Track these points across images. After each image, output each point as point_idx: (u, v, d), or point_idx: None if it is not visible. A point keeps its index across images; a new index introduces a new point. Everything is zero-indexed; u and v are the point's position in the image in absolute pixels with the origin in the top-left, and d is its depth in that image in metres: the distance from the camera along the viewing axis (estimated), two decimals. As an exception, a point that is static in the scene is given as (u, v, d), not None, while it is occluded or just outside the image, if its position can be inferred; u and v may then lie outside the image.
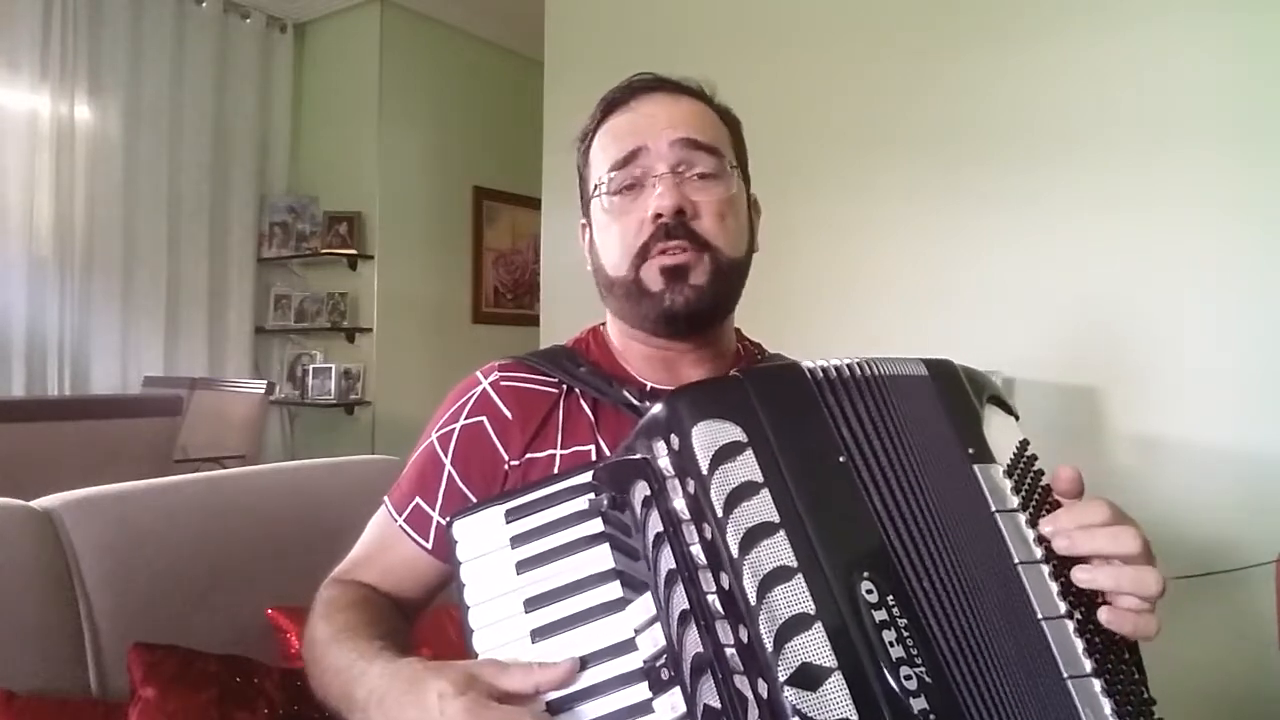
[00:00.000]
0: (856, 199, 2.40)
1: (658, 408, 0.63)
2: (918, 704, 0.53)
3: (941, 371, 0.69)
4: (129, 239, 3.61)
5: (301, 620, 1.14)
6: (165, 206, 3.71)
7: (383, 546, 0.89)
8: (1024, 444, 0.68)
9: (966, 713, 0.55)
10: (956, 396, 0.68)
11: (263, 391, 3.23)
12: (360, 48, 4.00)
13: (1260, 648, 1.71)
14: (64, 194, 3.42)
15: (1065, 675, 0.58)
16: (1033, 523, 0.63)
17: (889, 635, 0.55)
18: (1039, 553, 0.62)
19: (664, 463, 0.61)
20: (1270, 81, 1.83)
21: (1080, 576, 0.61)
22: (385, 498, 0.90)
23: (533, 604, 0.65)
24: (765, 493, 0.57)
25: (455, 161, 4.23)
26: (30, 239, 3.35)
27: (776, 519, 0.57)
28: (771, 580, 0.55)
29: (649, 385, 0.87)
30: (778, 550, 0.56)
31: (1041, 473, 0.67)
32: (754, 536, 0.56)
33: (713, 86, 0.90)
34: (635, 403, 0.80)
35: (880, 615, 0.55)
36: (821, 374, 0.64)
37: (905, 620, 0.56)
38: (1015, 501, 0.64)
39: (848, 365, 0.65)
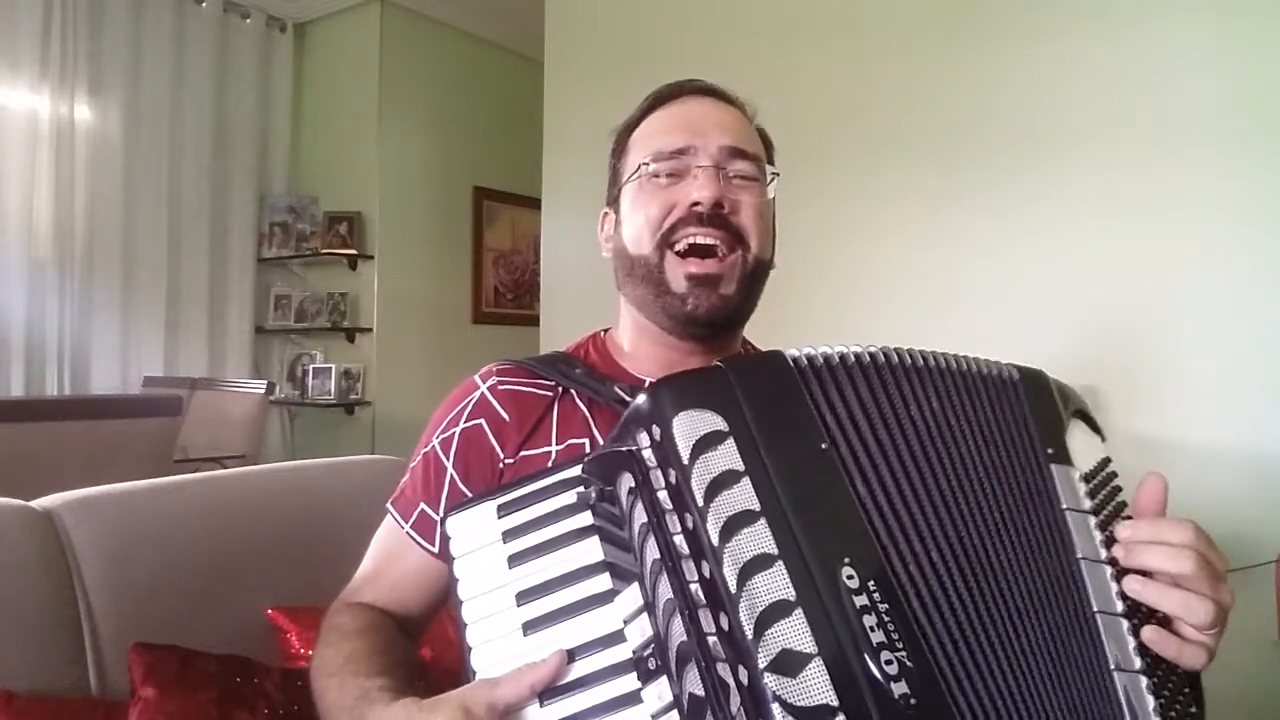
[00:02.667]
0: (857, 199, 2.40)
1: (641, 398, 0.64)
2: (898, 688, 0.54)
3: (1032, 378, 0.72)
4: (129, 239, 3.61)
5: (301, 620, 1.14)
6: (165, 206, 3.72)
7: (391, 557, 0.89)
8: (1106, 460, 0.70)
9: (950, 696, 0.55)
10: (1043, 401, 0.70)
11: (263, 391, 3.23)
12: (360, 48, 4.00)
13: (1261, 646, 1.71)
14: (64, 194, 3.42)
15: (1113, 666, 0.60)
16: (1103, 527, 0.65)
17: (869, 620, 0.55)
18: (1104, 554, 0.64)
19: (647, 453, 0.62)
20: (1270, 83, 1.83)
21: (1131, 586, 0.62)
22: (390, 506, 0.90)
23: (524, 597, 0.65)
24: (746, 481, 0.58)
25: (455, 161, 4.23)
26: (30, 239, 3.35)
27: (757, 507, 0.57)
28: (752, 568, 0.56)
29: (647, 382, 0.87)
30: (758, 538, 0.57)
31: (1119, 489, 0.68)
32: (734, 525, 0.57)
33: (754, 107, 0.93)
34: (627, 398, 0.80)
35: (861, 601, 0.56)
36: (806, 362, 0.65)
37: (887, 605, 0.56)
38: (1089, 504, 0.66)
39: (834, 352, 0.66)
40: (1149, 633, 0.60)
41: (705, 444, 0.59)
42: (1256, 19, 1.85)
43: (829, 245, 2.41)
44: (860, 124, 2.40)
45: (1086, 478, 0.67)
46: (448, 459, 0.86)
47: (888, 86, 2.36)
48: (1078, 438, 0.70)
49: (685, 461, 0.59)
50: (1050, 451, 0.67)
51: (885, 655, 0.54)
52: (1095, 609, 0.61)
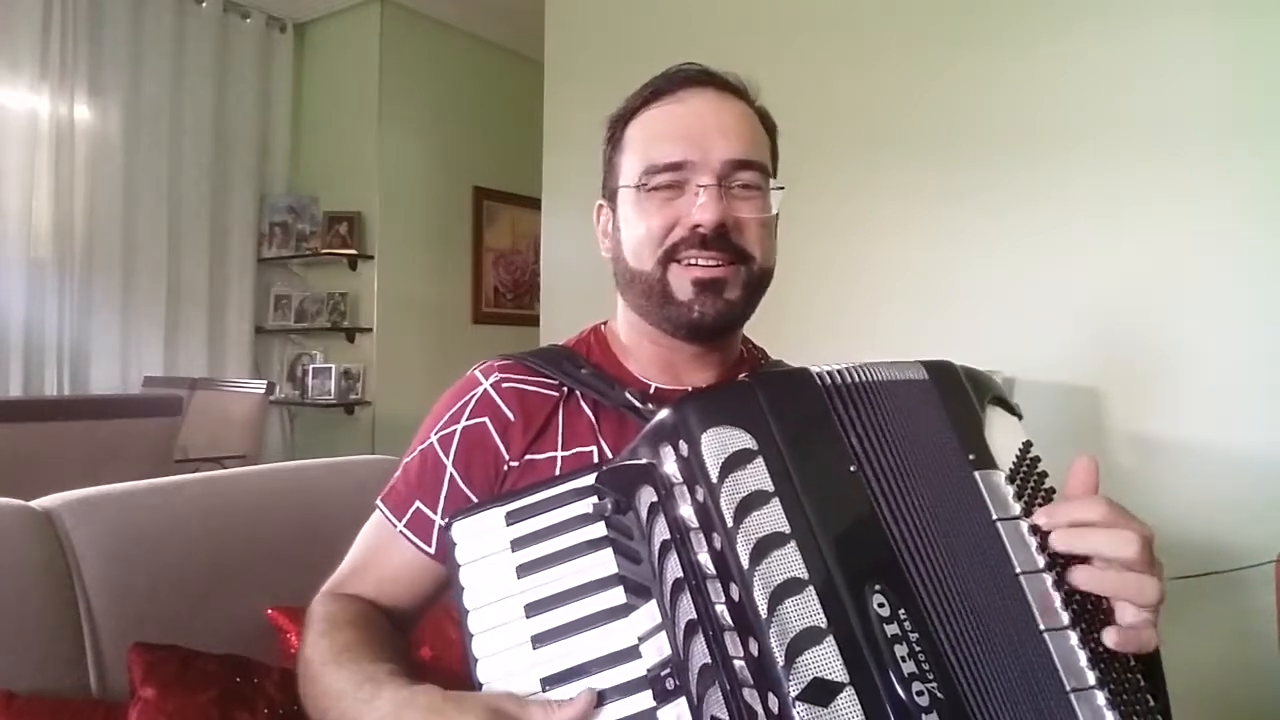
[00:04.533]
0: (857, 199, 2.40)
1: (665, 413, 0.62)
2: None
3: (942, 374, 0.68)
4: (129, 239, 3.61)
5: (301, 620, 1.14)
6: (165, 206, 3.71)
7: (379, 553, 0.86)
8: (1027, 445, 0.67)
9: None
10: (957, 400, 0.67)
11: (263, 391, 3.23)
12: (360, 48, 4.00)
13: (1260, 648, 1.70)
14: (63, 194, 3.41)
15: (1068, 689, 0.57)
16: (1035, 528, 0.62)
17: (901, 650, 0.54)
18: (1041, 561, 0.61)
19: (671, 469, 0.60)
20: (1270, 83, 1.83)
21: (1080, 578, 0.60)
22: (379, 502, 0.88)
23: (534, 609, 0.63)
24: (776, 502, 0.57)
25: (455, 161, 4.23)
26: (29, 239, 3.34)
27: (788, 529, 0.56)
28: (783, 592, 0.54)
29: (653, 386, 0.86)
30: (789, 562, 0.55)
31: (1045, 474, 0.65)
32: (765, 547, 0.55)
33: (756, 86, 0.88)
34: (638, 405, 0.79)
35: (892, 629, 0.54)
36: (830, 380, 0.63)
37: (917, 634, 0.55)
38: (1018, 508, 0.63)
39: (852, 371, 0.64)
40: (1111, 636, 0.58)
41: (734, 462, 0.57)
42: (1257, 19, 1.85)
43: (829, 245, 2.41)
44: (860, 124, 2.40)
45: (1011, 475, 0.65)
46: (447, 457, 0.84)
47: (888, 86, 2.36)
48: (997, 427, 0.67)
49: (714, 480, 0.57)
50: (972, 458, 0.64)
51: (917, 686, 0.53)
52: (1042, 627, 0.59)
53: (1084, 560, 0.61)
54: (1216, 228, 1.89)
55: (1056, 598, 0.60)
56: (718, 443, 0.58)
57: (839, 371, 0.63)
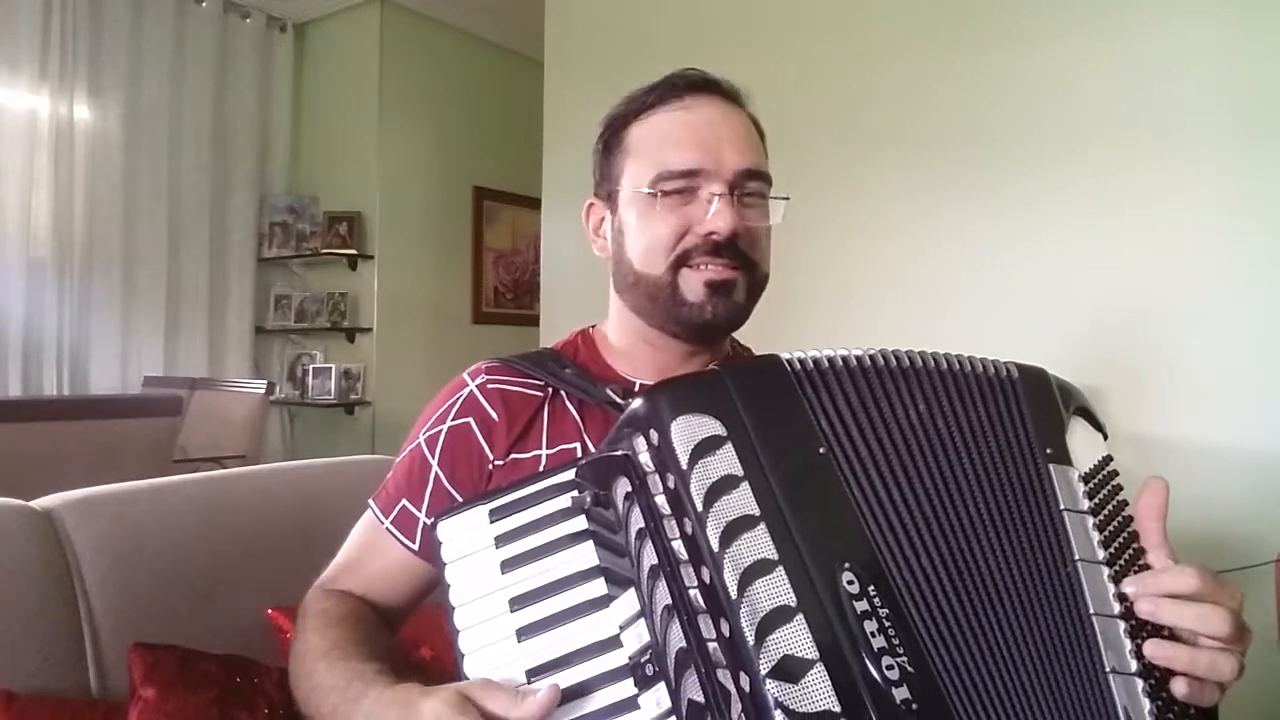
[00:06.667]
0: (857, 199, 2.40)
1: (637, 403, 0.63)
2: (899, 693, 0.53)
3: (1031, 376, 0.71)
4: (129, 239, 3.61)
5: (301, 620, 1.14)
6: (165, 206, 3.72)
7: (369, 551, 0.89)
8: (1107, 459, 0.69)
9: (950, 701, 0.55)
10: (1042, 400, 0.69)
11: (263, 391, 3.24)
12: (360, 48, 4.00)
13: (1260, 648, 1.70)
14: (63, 194, 3.42)
15: (1109, 669, 0.59)
16: (1101, 527, 0.65)
17: (870, 625, 0.55)
18: (1103, 555, 0.63)
19: (644, 458, 0.62)
20: (1270, 82, 1.83)
21: (1153, 652, 0.60)
22: (370, 501, 0.90)
23: (518, 603, 0.64)
24: (745, 486, 0.58)
25: (455, 161, 4.23)
26: (29, 239, 3.35)
27: (757, 512, 0.57)
28: (752, 573, 0.55)
29: (637, 384, 0.87)
30: (758, 543, 0.56)
31: (1121, 488, 0.68)
32: (734, 530, 0.57)
33: (749, 93, 0.89)
34: (619, 401, 0.81)
35: (861, 606, 0.56)
36: (800, 366, 0.64)
37: (887, 610, 0.56)
38: (1087, 505, 0.66)
39: (830, 356, 0.66)
40: (1181, 687, 0.59)
41: (704, 449, 0.59)
42: (1257, 19, 1.85)
43: (829, 245, 2.41)
44: (860, 124, 2.40)
45: (1086, 477, 0.67)
46: (433, 457, 0.86)
47: (888, 86, 2.36)
48: (1078, 436, 0.69)
49: (684, 466, 0.59)
50: (1049, 451, 0.66)
51: (886, 660, 0.54)
52: (1092, 610, 0.61)
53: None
54: (1216, 228, 1.89)
55: (1111, 589, 0.62)
56: (687, 430, 0.60)
57: (810, 357, 0.65)
